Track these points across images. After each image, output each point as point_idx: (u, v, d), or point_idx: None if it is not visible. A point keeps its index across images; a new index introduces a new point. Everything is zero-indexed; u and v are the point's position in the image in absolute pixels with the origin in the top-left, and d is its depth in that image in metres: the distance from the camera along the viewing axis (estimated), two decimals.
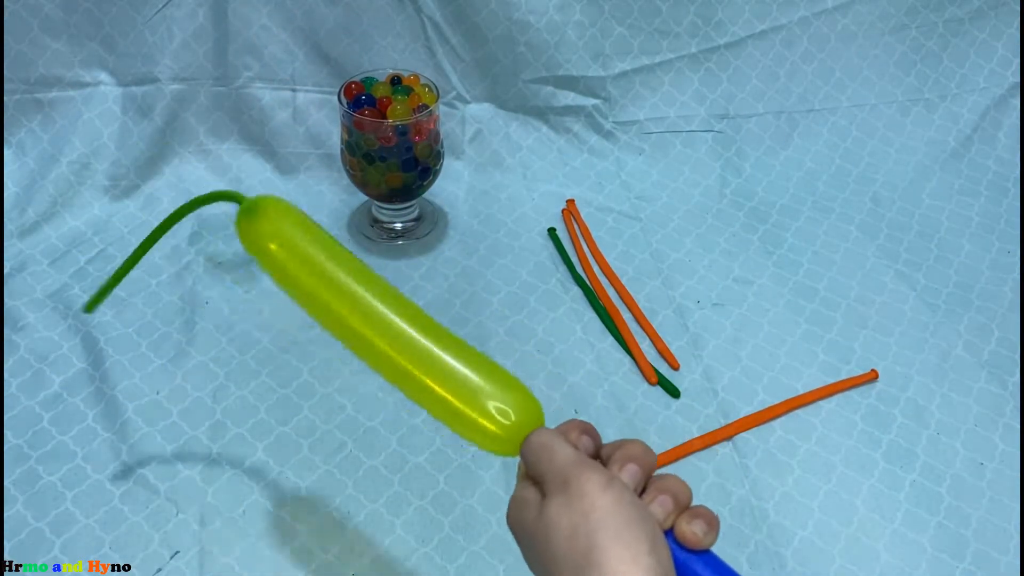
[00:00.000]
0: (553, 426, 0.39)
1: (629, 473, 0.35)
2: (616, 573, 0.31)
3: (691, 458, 0.62)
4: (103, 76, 0.78)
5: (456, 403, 0.39)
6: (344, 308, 0.43)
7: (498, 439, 0.38)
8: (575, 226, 0.80)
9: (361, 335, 0.43)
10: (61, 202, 0.77)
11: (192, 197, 0.81)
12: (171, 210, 0.79)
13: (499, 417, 0.38)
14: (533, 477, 0.36)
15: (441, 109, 0.79)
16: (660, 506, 0.34)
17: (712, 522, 0.34)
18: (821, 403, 0.66)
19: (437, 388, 0.40)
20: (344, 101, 0.72)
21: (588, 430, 0.38)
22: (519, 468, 0.38)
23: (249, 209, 0.46)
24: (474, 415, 0.39)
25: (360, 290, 0.44)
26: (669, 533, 0.34)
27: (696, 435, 0.63)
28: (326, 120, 0.83)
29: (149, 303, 0.70)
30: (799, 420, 0.65)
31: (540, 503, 0.34)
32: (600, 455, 0.37)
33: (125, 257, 0.74)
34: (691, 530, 0.34)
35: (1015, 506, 0.60)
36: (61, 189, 0.77)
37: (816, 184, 0.87)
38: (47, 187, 0.76)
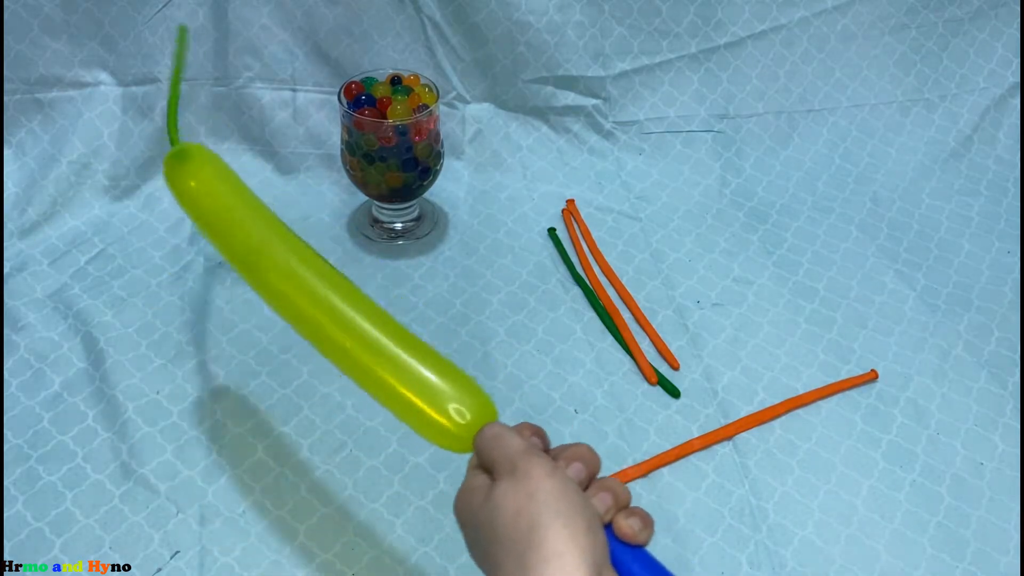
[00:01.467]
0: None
1: (574, 470, 0.37)
2: (555, 551, 0.33)
3: (691, 458, 0.62)
4: (103, 76, 0.78)
5: (417, 402, 0.41)
6: (277, 272, 0.48)
7: (454, 437, 0.40)
8: (575, 226, 0.80)
9: (295, 304, 0.46)
10: (61, 202, 0.77)
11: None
12: (171, 210, 0.80)
13: (457, 417, 0.40)
14: (483, 465, 0.38)
15: (441, 109, 0.79)
16: (600, 501, 0.36)
17: (647, 521, 0.37)
18: (821, 403, 0.66)
19: (397, 385, 0.42)
20: (344, 101, 0.72)
21: (538, 432, 0.40)
22: (470, 461, 0.40)
23: (178, 153, 0.51)
24: (435, 414, 0.41)
25: (295, 256, 0.48)
26: (608, 528, 0.36)
27: (696, 435, 0.63)
28: (326, 120, 0.83)
29: (149, 303, 0.70)
30: (799, 420, 0.65)
31: (488, 488, 0.36)
32: (549, 454, 0.39)
33: (125, 257, 0.74)
34: (628, 524, 0.36)
35: (1015, 506, 0.60)
36: (61, 189, 0.77)
37: (816, 184, 0.87)
38: (47, 187, 0.76)
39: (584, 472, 0.37)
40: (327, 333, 0.44)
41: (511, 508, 0.34)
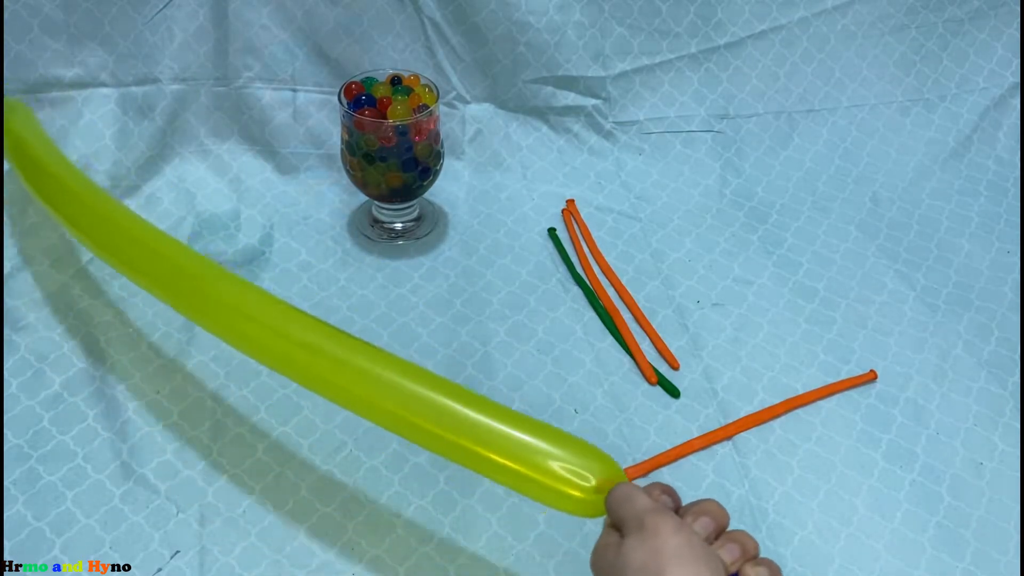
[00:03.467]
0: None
1: (701, 524, 0.39)
2: None
3: (691, 458, 0.62)
4: (103, 76, 0.78)
5: (538, 477, 0.43)
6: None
7: (584, 503, 0.42)
8: (575, 226, 0.80)
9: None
10: None
11: (193, 197, 0.82)
12: (172, 209, 0.80)
13: (582, 482, 0.42)
14: (614, 523, 0.40)
15: (441, 109, 0.79)
16: (728, 553, 0.38)
17: (774, 570, 0.38)
18: (821, 403, 0.66)
19: (512, 464, 0.44)
20: (344, 101, 0.72)
21: (668, 491, 0.41)
22: (606, 520, 0.42)
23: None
24: (557, 484, 0.43)
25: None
26: None
27: (696, 435, 0.63)
28: (326, 120, 0.83)
29: (149, 303, 0.70)
30: (799, 420, 0.65)
31: (619, 544, 0.38)
32: (678, 512, 0.40)
33: None
34: (755, 572, 0.37)
35: (1015, 506, 0.60)
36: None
37: (816, 184, 0.87)
38: None
39: (712, 526, 0.39)
40: (405, 420, 0.47)
41: (638, 562, 0.36)
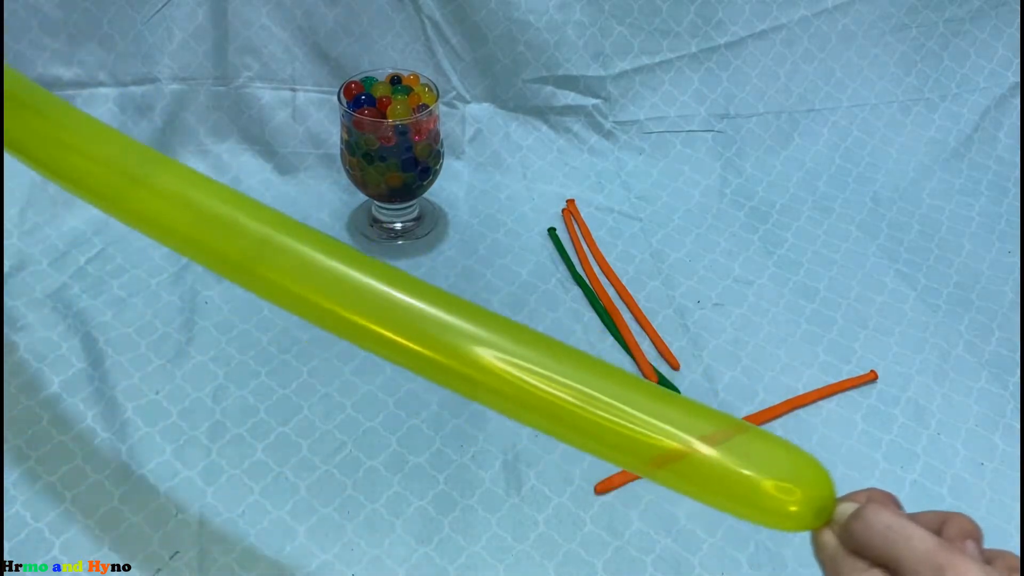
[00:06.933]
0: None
1: (970, 550, 0.32)
2: None
3: None
4: (102, 76, 0.78)
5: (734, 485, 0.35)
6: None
7: (795, 518, 0.35)
8: (575, 226, 0.80)
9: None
10: (61, 202, 0.77)
11: None
12: None
13: (787, 495, 0.34)
14: (878, 560, 0.32)
15: (441, 109, 0.79)
16: None
17: None
18: (821, 403, 0.66)
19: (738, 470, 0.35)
20: (344, 101, 0.72)
21: (896, 501, 0.36)
22: (826, 547, 0.34)
23: None
24: (762, 495, 0.35)
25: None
26: None
27: None
28: (326, 120, 0.83)
29: (149, 303, 0.70)
30: (799, 420, 0.65)
31: None
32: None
33: (125, 257, 0.74)
34: None
35: (1015, 506, 0.60)
36: (61, 189, 0.77)
37: (816, 184, 0.87)
38: (47, 187, 0.76)
39: (979, 554, 0.32)
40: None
41: None
